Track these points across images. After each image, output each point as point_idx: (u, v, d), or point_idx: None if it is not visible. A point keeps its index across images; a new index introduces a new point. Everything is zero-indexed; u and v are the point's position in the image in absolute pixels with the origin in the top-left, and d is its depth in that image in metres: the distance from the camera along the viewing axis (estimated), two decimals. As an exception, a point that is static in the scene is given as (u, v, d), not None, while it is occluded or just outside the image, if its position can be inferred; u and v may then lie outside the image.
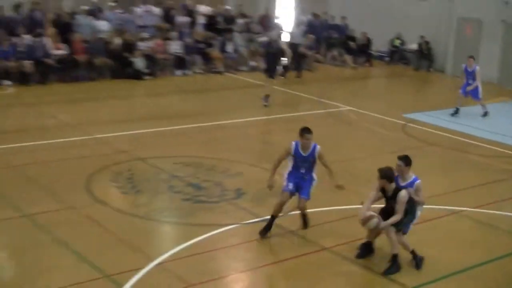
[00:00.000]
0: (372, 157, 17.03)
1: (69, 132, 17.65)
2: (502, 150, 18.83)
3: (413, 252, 11.00)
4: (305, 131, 11.96)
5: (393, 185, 10.70)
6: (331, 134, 19.52)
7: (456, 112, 21.96)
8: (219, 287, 10.31)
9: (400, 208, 10.55)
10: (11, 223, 11.95)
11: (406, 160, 10.94)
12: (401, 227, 10.81)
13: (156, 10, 28.96)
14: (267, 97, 21.29)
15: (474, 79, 21.70)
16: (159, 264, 10.66)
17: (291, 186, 11.88)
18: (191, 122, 19.42)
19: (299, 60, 27.68)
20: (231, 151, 17.02)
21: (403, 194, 10.57)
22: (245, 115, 20.31)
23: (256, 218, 12.70)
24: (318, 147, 12.03)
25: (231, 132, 18.86)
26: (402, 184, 10.87)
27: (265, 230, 11.63)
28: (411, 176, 10.99)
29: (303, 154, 12.00)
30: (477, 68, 21.95)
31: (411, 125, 20.56)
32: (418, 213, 11.12)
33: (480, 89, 21.75)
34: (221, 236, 11.89)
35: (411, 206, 10.78)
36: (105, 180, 14.30)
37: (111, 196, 13.55)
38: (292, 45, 26.66)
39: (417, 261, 10.99)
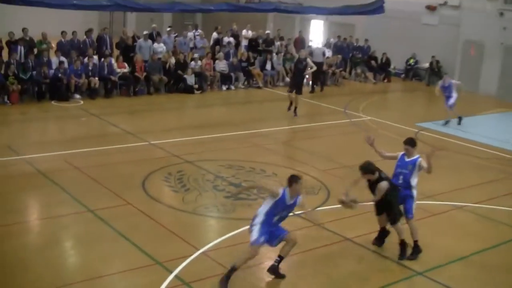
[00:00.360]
0: (388, 160, 16.87)
1: (128, 139, 17.73)
2: (499, 153, 18.75)
3: (402, 242, 10.93)
4: (294, 178, 9.58)
5: (377, 174, 10.64)
6: (353, 141, 19.36)
7: (459, 121, 21.74)
8: (255, 273, 10.25)
9: (378, 195, 10.55)
10: (78, 217, 12.06)
11: (411, 143, 11.28)
12: (396, 218, 10.78)
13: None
14: (293, 108, 21.23)
15: (451, 91, 21.30)
16: (204, 253, 10.68)
17: (263, 239, 9.53)
18: (233, 130, 19.42)
19: (320, 76, 27.45)
20: (268, 155, 17.00)
21: (383, 185, 10.50)
22: (280, 124, 20.31)
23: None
24: (300, 196, 9.72)
25: (268, 139, 18.76)
26: (407, 159, 11.22)
27: (226, 279, 9.41)
28: (416, 155, 11.19)
29: (287, 203, 9.56)
30: (453, 82, 21.71)
31: (423, 132, 20.35)
32: (414, 192, 11.17)
33: (453, 98, 21.36)
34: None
35: (394, 196, 10.73)
36: (158, 180, 14.34)
37: (163, 194, 13.61)
38: (314, 63, 26.52)
39: (402, 252, 10.95)
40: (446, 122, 21.70)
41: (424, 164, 10.98)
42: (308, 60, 21.26)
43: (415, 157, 11.21)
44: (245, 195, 13.56)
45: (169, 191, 13.74)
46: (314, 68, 21.87)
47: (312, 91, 26.73)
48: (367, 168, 10.67)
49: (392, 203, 10.74)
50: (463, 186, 15.42)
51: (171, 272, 9.83)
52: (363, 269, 10.66)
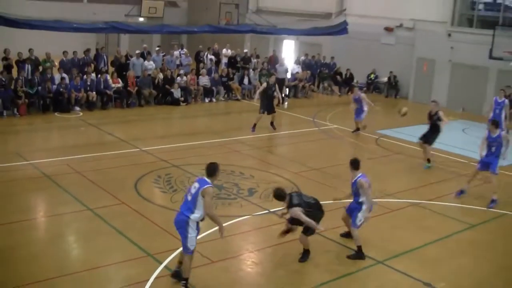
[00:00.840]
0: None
1: (122, 146, 17.70)
2: (448, 156, 18.90)
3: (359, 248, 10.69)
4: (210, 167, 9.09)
5: (287, 199, 10.13)
6: (323, 146, 19.56)
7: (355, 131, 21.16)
8: (234, 263, 10.34)
9: (298, 218, 10.06)
10: (78, 215, 12.07)
11: (352, 164, 10.70)
12: (309, 233, 10.30)
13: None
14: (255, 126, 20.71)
15: (362, 105, 20.67)
16: (190, 246, 10.71)
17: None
18: (215, 137, 19.43)
19: (282, 89, 26.79)
20: (245, 160, 17.04)
21: (293, 211, 10.02)
22: (256, 132, 20.26)
23: (264, 211, 12.74)
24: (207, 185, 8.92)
25: (246, 145, 18.80)
26: (352, 181, 10.84)
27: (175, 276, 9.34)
28: (358, 174, 10.66)
29: None
30: (362, 95, 21.03)
31: (382, 138, 20.51)
32: (363, 207, 10.71)
33: (364, 111, 20.74)
34: (237, 224, 11.94)
35: (312, 214, 10.09)
36: (149, 182, 14.36)
37: (153, 194, 13.62)
38: (278, 79, 26.61)
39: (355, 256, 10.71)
40: (356, 130, 21.03)
41: (364, 183, 10.48)
42: (277, 86, 20.99)
43: (356, 177, 10.73)
44: (225, 195, 13.63)
45: (159, 192, 13.76)
46: (281, 96, 21.73)
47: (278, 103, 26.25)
48: (276, 195, 10.16)
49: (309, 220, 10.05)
50: (418, 186, 15.57)
51: (161, 263, 9.90)
52: (331, 259, 10.75)
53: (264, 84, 20.47)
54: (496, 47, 22.47)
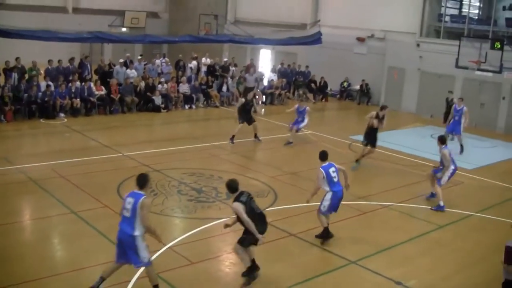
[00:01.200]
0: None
1: (105, 151, 17.56)
2: (417, 160, 19.03)
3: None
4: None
5: (236, 194, 9.31)
6: (299, 151, 19.59)
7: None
8: (213, 264, 10.31)
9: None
10: (63, 218, 11.99)
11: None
12: (245, 243, 9.39)
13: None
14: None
15: (304, 116, 20.24)
16: (170, 247, 10.67)
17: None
18: (195, 143, 19.36)
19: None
20: (224, 164, 17.02)
21: (233, 205, 9.23)
22: (235, 138, 20.22)
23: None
24: (143, 197, 8.59)
25: (224, 150, 18.78)
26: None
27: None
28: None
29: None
30: (308, 109, 20.52)
31: (355, 144, 20.59)
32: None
33: (304, 122, 20.28)
34: (215, 227, 11.89)
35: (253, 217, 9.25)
36: (131, 186, 14.09)
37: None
38: (247, 88, 26.66)
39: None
40: (288, 143, 20.20)
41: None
42: (254, 101, 20.72)
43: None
44: (204, 198, 13.59)
45: (141, 196, 13.66)
46: (259, 111, 21.58)
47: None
48: (228, 185, 9.44)
49: (245, 226, 9.31)
50: (388, 189, 15.64)
51: (142, 265, 9.80)
52: (306, 260, 10.77)
53: (242, 100, 20.26)
54: (462, 56, 22.71)
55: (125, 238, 8.53)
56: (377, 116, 17.42)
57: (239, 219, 9.27)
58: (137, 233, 8.47)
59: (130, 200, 8.55)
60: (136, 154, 17.28)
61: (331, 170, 11.32)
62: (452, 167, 14.23)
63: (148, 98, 24.81)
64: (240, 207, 9.10)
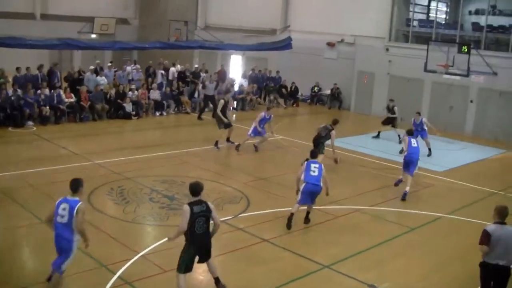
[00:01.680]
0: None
1: (76, 159, 17.33)
2: (388, 164, 19.22)
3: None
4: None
5: (196, 198, 8.97)
6: (270, 156, 19.61)
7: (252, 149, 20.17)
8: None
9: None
10: (32, 227, 11.79)
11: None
12: (181, 267, 8.87)
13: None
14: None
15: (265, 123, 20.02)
16: (143, 255, 10.58)
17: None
18: (166, 150, 19.20)
19: (208, 103, 26.48)
20: (196, 170, 16.88)
21: (183, 207, 8.87)
22: (206, 144, 20.14)
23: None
24: (79, 203, 8.73)
25: (196, 157, 18.67)
26: None
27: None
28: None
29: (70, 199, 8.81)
30: (272, 116, 20.27)
31: (327, 148, 20.59)
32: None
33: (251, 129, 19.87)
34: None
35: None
36: (102, 194, 14.09)
37: (106, 206, 13.36)
38: (206, 96, 26.58)
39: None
40: (237, 146, 19.98)
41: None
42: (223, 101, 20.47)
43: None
44: (176, 205, 13.48)
45: (112, 204, 13.52)
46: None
47: (200, 116, 25.89)
48: (192, 187, 9.07)
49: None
50: (361, 192, 15.75)
51: (114, 274, 9.70)
52: (279, 265, 10.75)
53: (222, 101, 20.16)
54: (430, 60, 22.94)
55: (63, 243, 8.61)
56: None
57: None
58: (75, 238, 8.62)
59: (64, 206, 8.65)
60: (107, 162, 17.10)
61: (314, 165, 12.41)
62: (409, 151, 15.40)
63: (119, 105, 24.61)
64: (187, 212, 8.69)
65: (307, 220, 12.76)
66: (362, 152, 20.47)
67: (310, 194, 12.35)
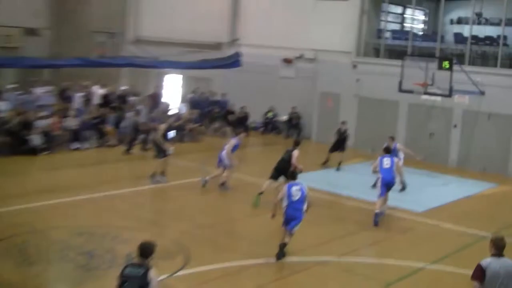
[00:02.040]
0: (250, 217, 17.02)
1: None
2: (357, 204, 19.27)
3: None
4: None
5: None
6: (215, 198, 19.38)
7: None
8: None
9: None
10: None
11: None
12: None
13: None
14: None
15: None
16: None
17: None
18: (86, 193, 18.64)
19: (137, 135, 26.40)
20: (123, 219, 16.54)
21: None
22: (136, 185, 19.89)
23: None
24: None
25: (124, 201, 18.34)
26: None
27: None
28: None
29: None
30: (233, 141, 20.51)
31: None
32: None
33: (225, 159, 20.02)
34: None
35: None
36: (1, 250, 13.50)
37: (4, 269, 12.64)
38: (136, 124, 26.38)
39: None
40: (205, 182, 20.11)
41: None
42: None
43: None
44: (96, 265, 12.99)
45: (10, 266, 12.76)
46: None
47: (128, 150, 25.82)
48: (142, 249, 8.98)
49: None
50: (325, 240, 15.68)
51: None
52: None
53: (163, 126, 20.51)
54: (406, 79, 23.22)
55: None
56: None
57: None
58: None
59: None
60: (7, 210, 16.43)
61: (295, 188, 13.87)
62: (380, 175, 17.06)
63: (24, 137, 24.01)
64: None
65: (281, 254, 13.72)
66: (327, 191, 20.42)
67: (289, 219, 13.79)
